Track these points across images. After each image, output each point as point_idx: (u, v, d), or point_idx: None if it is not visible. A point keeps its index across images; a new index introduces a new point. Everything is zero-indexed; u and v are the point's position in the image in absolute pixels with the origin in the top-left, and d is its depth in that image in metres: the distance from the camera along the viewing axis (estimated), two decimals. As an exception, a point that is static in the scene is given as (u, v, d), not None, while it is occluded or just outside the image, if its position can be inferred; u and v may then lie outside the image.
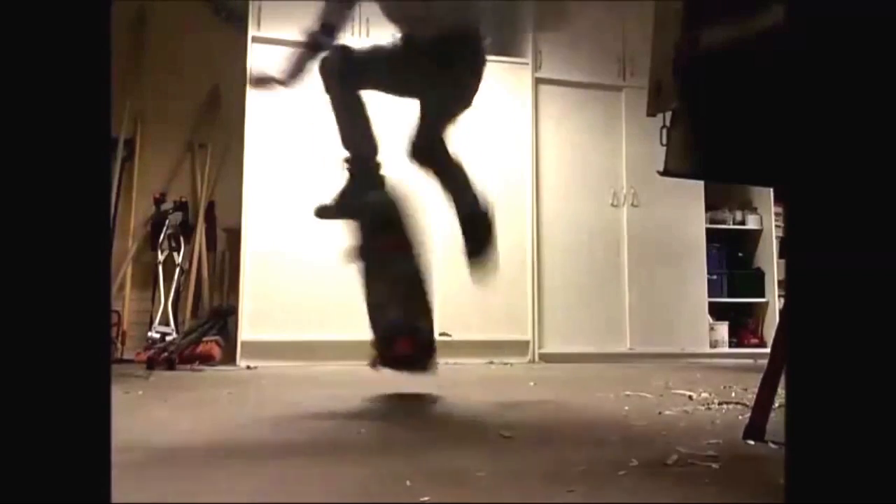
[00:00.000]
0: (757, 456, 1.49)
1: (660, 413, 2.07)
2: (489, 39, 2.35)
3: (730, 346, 4.73)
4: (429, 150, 2.33)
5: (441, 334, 4.15)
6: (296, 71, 2.34)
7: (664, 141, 1.63)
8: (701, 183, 4.50)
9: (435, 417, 1.97)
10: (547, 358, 4.19)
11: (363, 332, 4.16)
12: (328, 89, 2.33)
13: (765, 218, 4.99)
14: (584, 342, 4.33)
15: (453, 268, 4.12)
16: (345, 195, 2.39)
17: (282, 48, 4.09)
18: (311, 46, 2.34)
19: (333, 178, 4.06)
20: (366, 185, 2.37)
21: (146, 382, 2.88)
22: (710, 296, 4.70)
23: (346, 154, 2.41)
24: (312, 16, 2.40)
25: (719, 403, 2.23)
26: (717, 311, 4.76)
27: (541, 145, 4.50)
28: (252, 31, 4.08)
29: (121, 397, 2.36)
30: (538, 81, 4.49)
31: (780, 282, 4.82)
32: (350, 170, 2.41)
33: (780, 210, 4.87)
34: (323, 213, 2.34)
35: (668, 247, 4.64)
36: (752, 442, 1.59)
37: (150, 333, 3.94)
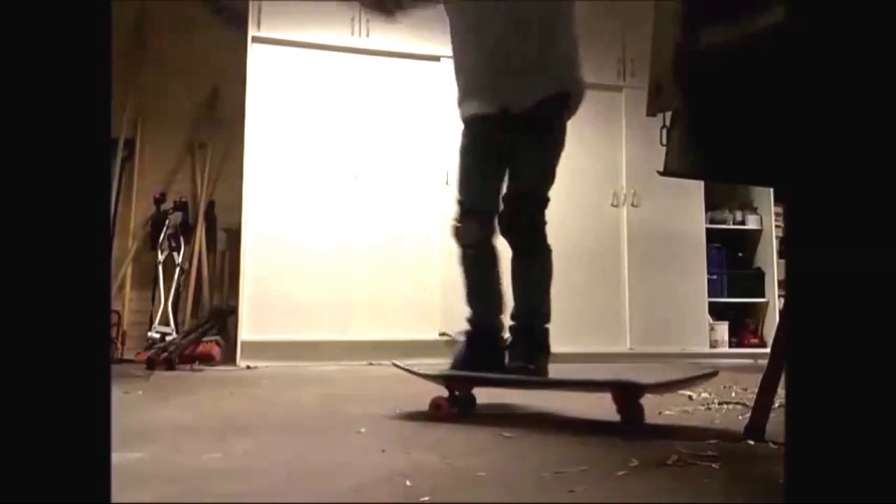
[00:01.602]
0: (757, 456, 1.49)
1: (660, 413, 2.07)
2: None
3: (730, 346, 4.73)
4: (533, 217, 2.14)
5: (441, 334, 4.15)
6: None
7: (664, 141, 1.63)
8: (701, 183, 4.49)
9: (435, 417, 1.97)
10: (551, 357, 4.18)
11: (363, 332, 4.16)
12: (462, 256, 2.20)
13: (765, 218, 4.99)
14: (584, 342, 4.32)
15: (453, 267, 4.13)
16: (459, 364, 2.14)
17: (282, 48, 4.13)
18: None
19: (333, 178, 4.09)
20: (483, 353, 2.14)
21: (146, 382, 2.88)
22: (710, 296, 4.69)
23: (469, 314, 2.20)
24: None
25: (719, 403, 2.23)
26: (717, 311, 4.75)
27: (541, 145, 4.50)
28: (252, 31, 4.08)
29: (121, 397, 2.36)
30: (538, 81, 4.49)
31: (780, 282, 4.81)
32: (469, 333, 2.19)
33: (780, 210, 4.87)
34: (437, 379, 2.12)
35: (668, 247, 4.63)
36: (752, 442, 1.59)
37: (150, 333, 3.94)
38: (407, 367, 2.24)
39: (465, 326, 2.21)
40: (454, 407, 2.01)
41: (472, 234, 2.17)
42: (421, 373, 2.18)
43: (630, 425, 1.77)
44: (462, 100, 2.20)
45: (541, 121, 2.11)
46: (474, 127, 2.18)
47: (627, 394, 1.81)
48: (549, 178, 2.17)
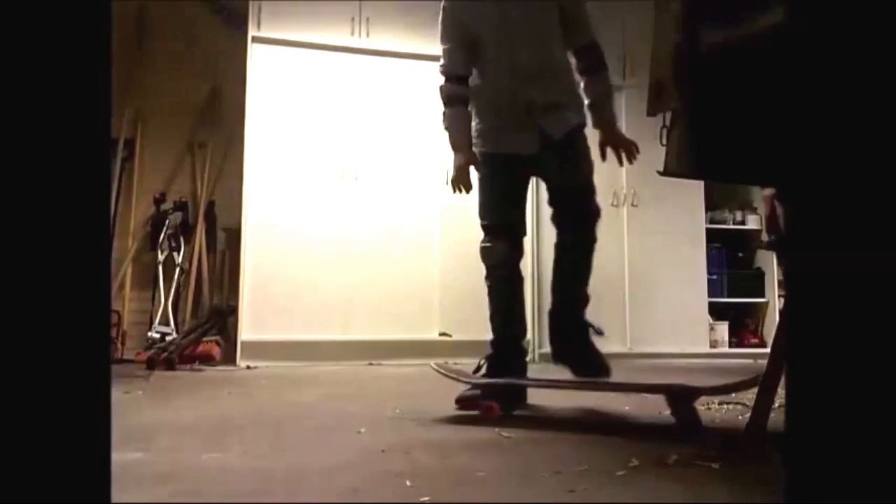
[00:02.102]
0: (757, 456, 1.49)
1: (660, 413, 2.07)
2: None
3: (730, 346, 4.72)
4: (595, 205, 2.39)
5: (441, 334, 4.15)
6: (465, 135, 2.30)
7: (664, 141, 1.62)
8: (701, 183, 4.49)
9: (435, 418, 1.97)
10: (547, 358, 4.18)
11: (363, 332, 4.16)
12: (489, 276, 2.27)
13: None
14: (583, 342, 4.32)
15: (452, 267, 4.13)
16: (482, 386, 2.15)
17: (282, 48, 4.13)
18: (451, 101, 2.32)
19: (333, 178, 4.09)
20: (507, 371, 2.19)
21: (146, 382, 2.88)
22: (710, 296, 4.69)
23: (492, 336, 2.26)
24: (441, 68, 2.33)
25: (719, 403, 2.23)
26: (717, 311, 4.75)
27: (541, 145, 4.50)
28: (252, 32, 4.08)
29: (121, 397, 2.36)
30: (538, 81, 4.49)
31: (780, 282, 4.81)
32: (492, 355, 2.23)
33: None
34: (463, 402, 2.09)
35: (668, 247, 4.63)
36: (751, 442, 1.59)
37: (150, 333, 3.94)
38: (448, 373, 2.26)
39: (487, 349, 2.26)
40: (503, 410, 2.01)
41: (500, 255, 2.24)
42: (465, 379, 2.17)
43: (685, 428, 1.77)
44: (492, 137, 2.30)
45: (571, 143, 2.29)
46: (503, 159, 2.28)
47: (683, 398, 1.82)
48: (592, 168, 2.36)
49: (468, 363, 3.46)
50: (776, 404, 1.64)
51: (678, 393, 1.85)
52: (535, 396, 2.26)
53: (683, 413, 1.78)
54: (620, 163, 2.32)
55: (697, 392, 1.89)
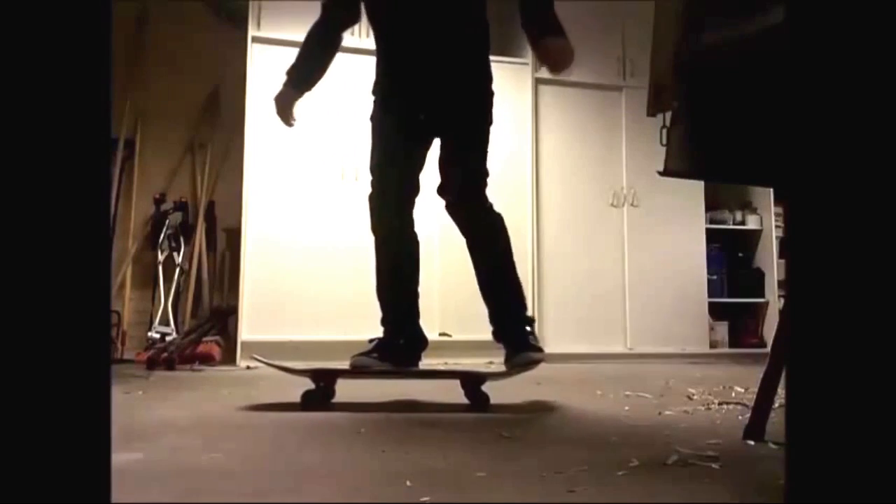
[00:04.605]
0: (757, 456, 1.49)
1: (660, 413, 2.07)
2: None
3: (730, 346, 4.73)
4: (481, 192, 2.19)
5: (441, 334, 4.15)
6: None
7: (664, 141, 1.63)
8: (701, 183, 4.49)
9: (435, 418, 1.97)
10: (546, 358, 4.18)
11: (362, 332, 4.16)
12: (375, 244, 2.27)
13: (765, 218, 4.98)
14: (584, 342, 4.32)
15: (453, 267, 4.13)
16: (366, 362, 2.26)
17: (282, 48, 4.13)
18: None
19: (333, 178, 4.09)
20: (397, 354, 2.27)
21: (146, 382, 2.88)
22: (710, 296, 4.69)
23: (381, 315, 2.29)
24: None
25: (719, 403, 2.23)
26: (717, 311, 4.75)
27: (541, 146, 4.50)
28: (252, 31, 4.08)
29: (121, 397, 2.36)
30: (538, 82, 4.49)
31: (780, 282, 4.81)
32: (382, 337, 2.31)
33: (780, 210, 4.87)
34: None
35: (668, 246, 4.63)
36: (752, 442, 1.59)
37: (150, 333, 3.94)
38: (268, 362, 2.35)
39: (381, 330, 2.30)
40: (323, 399, 2.14)
41: (379, 221, 2.23)
42: (283, 366, 2.29)
43: (475, 406, 2.07)
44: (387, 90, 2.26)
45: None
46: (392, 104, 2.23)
47: (473, 382, 2.12)
48: (485, 139, 2.28)
49: (469, 363, 3.46)
50: (776, 404, 1.64)
51: (468, 377, 2.13)
52: (532, 393, 2.26)
53: (474, 394, 2.08)
54: (552, 69, 2.18)
55: (484, 377, 2.15)
